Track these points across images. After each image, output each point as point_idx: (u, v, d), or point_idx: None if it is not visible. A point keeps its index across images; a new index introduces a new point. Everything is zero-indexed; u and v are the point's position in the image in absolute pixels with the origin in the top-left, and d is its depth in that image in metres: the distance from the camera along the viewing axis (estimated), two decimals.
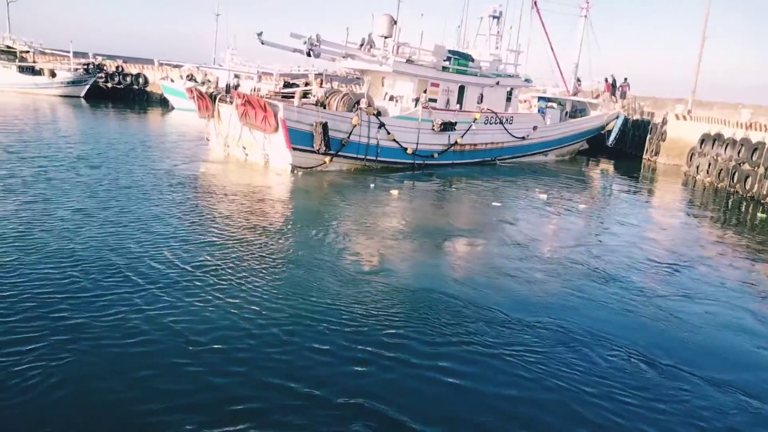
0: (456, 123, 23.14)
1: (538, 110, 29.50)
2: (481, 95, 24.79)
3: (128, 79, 48.17)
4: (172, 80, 44.80)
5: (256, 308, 8.05)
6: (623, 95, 33.05)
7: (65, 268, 8.83)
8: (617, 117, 31.81)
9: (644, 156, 32.43)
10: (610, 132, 31.68)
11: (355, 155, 20.60)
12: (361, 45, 22.33)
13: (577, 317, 8.94)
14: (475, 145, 24.47)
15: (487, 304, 9.05)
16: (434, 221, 15.12)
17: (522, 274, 10.84)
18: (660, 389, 7.06)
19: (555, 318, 8.81)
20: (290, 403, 5.99)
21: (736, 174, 23.16)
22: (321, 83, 22.79)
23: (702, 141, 26.70)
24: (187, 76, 45.76)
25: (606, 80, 32.21)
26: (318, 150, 19.05)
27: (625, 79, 32.85)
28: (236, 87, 22.88)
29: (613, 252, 13.09)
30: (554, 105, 29.88)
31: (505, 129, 25.40)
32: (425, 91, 22.65)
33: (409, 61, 22.51)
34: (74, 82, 44.00)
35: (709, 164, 25.61)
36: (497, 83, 25.27)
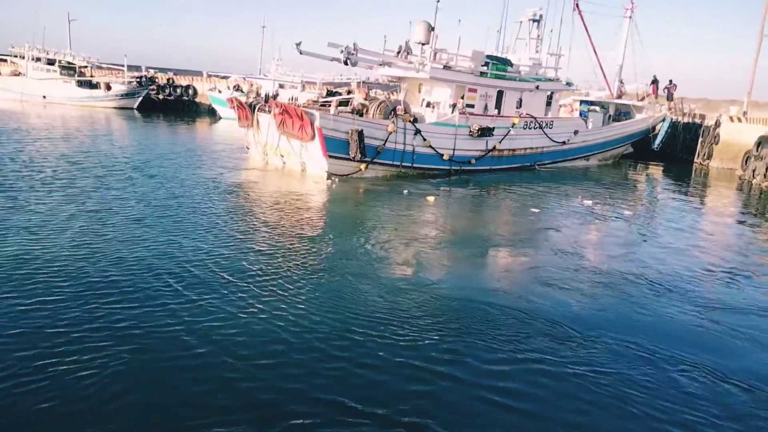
0: (494, 128, 22.73)
1: (580, 114, 28.67)
2: (520, 100, 24.28)
3: (178, 90, 49.59)
4: (219, 91, 45.87)
5: (303, 321, 7.91)
6: (670, 97, 31.76)
7: (123, 278, 9.01)
8: (663, 120, 30.58)
9: (696, 160, 31.15)
10: (656, 135, 30.43)
11: (390, 162, 20.47)
12: (398, 52, 22.26)
13: (642, 333, 8.43)
14: (514, 150, 23.96)
15: (544, 318, 8.67)
16: (473, 228, 14.82)
17: (575, 285, 10.40)
18: (757, 419, 6.41)
19: (619, 333, 8.30)
20: (342, 419, 5.83)
21: None
22: (367, 93, 22.85)
23: (759, 143, 25.43)
24: (234, 86, 46.76)
25: (653, 82, 31.01)
26: (354, 157, 19.03)
27: (671, 80, 31.63)
28: (275, 96, 23.14)
29: (667, 261, 12.51)
30: (597, 108, 28.99)
31: (545, 133, 24.77)
32: (462, 97, 22.33)
33: (446, 67, 22.27)
34: (128, 95, 45.61)
35: (767, 167, 24.39)
36: (537, 87, 24.71)
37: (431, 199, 17.41)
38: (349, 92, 27.03)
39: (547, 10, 25.94)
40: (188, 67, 61.64)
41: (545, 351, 7.60)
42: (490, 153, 23.08)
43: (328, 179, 19.15)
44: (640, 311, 9.34)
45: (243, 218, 13.48)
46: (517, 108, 24.22)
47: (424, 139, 20.95)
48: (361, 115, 20.01)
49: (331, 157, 19.00)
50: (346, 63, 20.36)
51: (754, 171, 25.37)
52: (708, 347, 8.15)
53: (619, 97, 30.93)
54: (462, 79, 22.47)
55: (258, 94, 24.48)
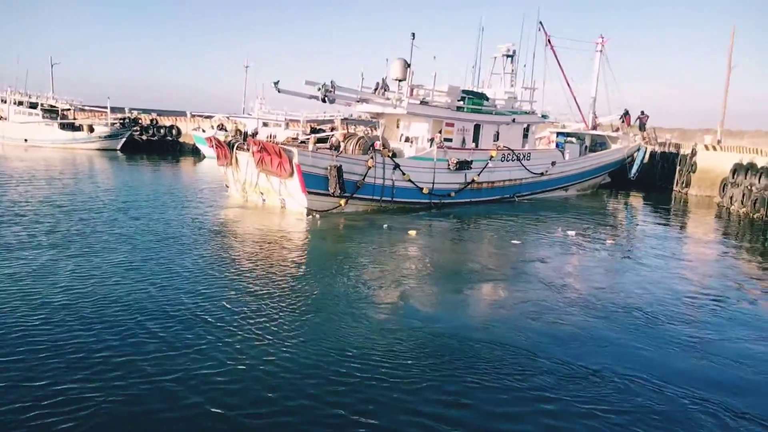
0: (472, 161, 22.85)
1: (557, 145, 28.98)
2: (497, 133, 24.50)
3: (162, 131, 49.47)
4: (203, 130, 45.86)
5: (293, 366, 7.70)
6: (642, 127, 32.26)
7: (105, 326, 8.80)
8: (638, 149, 31.01)
9: (675, 188, 31.64)
10: (632, 164, 30.79)
11: (370, 197, 20.42)
12: (375, 89, 22.43)
13: (644, 367, 8.31)
14: (493, 182, 24.05)
15: (544, 355, 8.51)
16: (458, 263, 14.76)
17: (569, 320, 10.30)
18: None
19: (622, 368, 8.17)
20: None
21: None
22: (346, 129, 22.95)
23: (734, 171, 25.92)
24: (218, 126, 46.83)
25: (624, 114, 31.52)
26: (333, 193, 18.93)
27: (642, 111, 32.20)
28: (254, 135, 23.11)
29: (655, 291, 12.61)
30: (573, 140, 29.33)
31: (523, 165, 24.95)
32: (440, 132, 22.46)
33: (423, 102, 22.48)
34: (111, 136, 45.36)
35: (743, 194, 24.77)
36: (513, 120, 24.96)
37: (413, 233, 17.33)
38: (332, 129, 27.17)
39: (519, 45, 26.45)
40: (172, 107, 61.65)
41: (548, 389, 7.42)
42: (469, 186, 23.14)
43: (308, 215, 19.01)
44: (637, 344, 9.21)
45: (225, 260, 13.28)
46: (494, 141, 24.41)
47: (404, 174, 20.97)
48: (339, 150, 19.99)
49: (310, 193, 18.90)
50: (324, 100, 20.45)
51: (731, 198, 25.70)
52: (713, 380, 8.03)
53: (594, 128, 31.36)
54: (439, 113, 22.66)
55: (238, 132, 24.47)
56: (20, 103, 44.48)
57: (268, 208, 20.18)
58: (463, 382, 7.47)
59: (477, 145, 23.90)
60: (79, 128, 45.33)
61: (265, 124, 44.22)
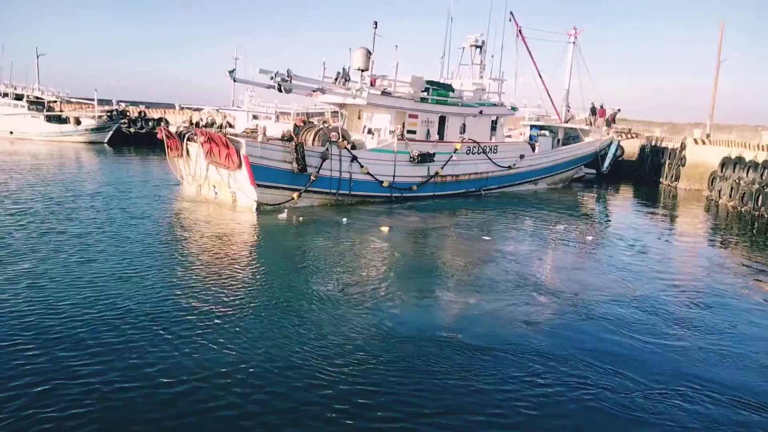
0: (435, 154, 21.28)
1: (530, 138, 27.31)
2: (464, 125, 22.89)
3: (150, 123, 47.76)
4: (166, 122, 44.05)
5: (252, 380, 6.75)
6: (608, 123, 30.37)
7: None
8: (611, 143, 29.29)
9: (664, 181, 30.97)
10: (605, 158, 29.10)
11: (326, 190, 18.83)
12: (336, 79, 20.77)
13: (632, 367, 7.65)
14: (458, 176, 22.47)
15: (531, 360, 7.65)
16: (424, 260, 13.37)
17: (552, 320, 9.35)
18: None
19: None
20: None
21: (761, 197, 21.70)
22: (304, 120, 21.36)
23: (723, 164, 25.26)
24: (208, 118, 45.04)
25: (601, 107, 29.77)
26: (294, 170, 17.29)
27: (617, 108, 30.44)
28: (211, 125, 21.49)
29: (641, 287, 11.63)
30: (546, 133, 27.65)
31: (489, 158, 23.37)
32: (403, 123, 20.83)
33: (384, 93, 20.87)
34: (98, 129, 43.78)
35: (732, 188, 24.15)
36: (480, 112, 23.29)
37: (385, 229, 15.97)
38: (324, 122, 25.64)
39: (487, 35, 24.70)
40: (161, 99, 59.78)
41: (520, 390, 6.80)
42: (433, 179, 21.57)
43: (258, 209, 17.46)
44: (639, 346, 8.41)
45: (169, 259, 11.83)
46: (461, 133, 22.83)
47: (362, 166, 19.39)
48: (291, 142, 18.36)
49: (260, 185, 17.32)
50: (280, 90, 18.78)
51: (720, 191, 25.13)
52: (720, 375, 7.52)
53: (567, 121, 29.63)
54: (401, 105, 21.06)
55: (191, 123, 22.80)
56: (5, 95, 42.90)
57: (219, 203, 18.65)
58: (420, 382, 6.78)
59: (442, 138, 22.33)
60: (65, 121, 43.76)
61: (255, 117, 42.46)
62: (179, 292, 9.58)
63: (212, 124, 44.23)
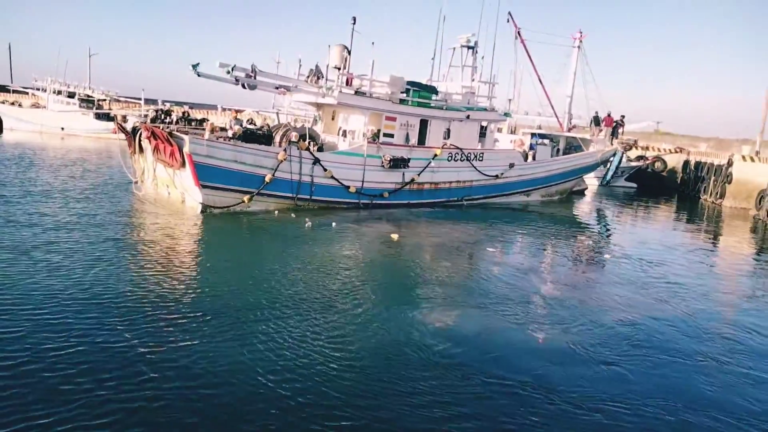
0: (410, 159, 18.20)
1: (530, 147, 23.57)
2: (448, 130, 19.61)
3: (193, 123, 46.34)
4: (145, 114, 42.57)
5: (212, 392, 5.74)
6: (614, 133, 26.16)
7: None
8: (614, 154, 25.05)
9: (707, 198, 27.61)
10: (608, 169, 24.93)
11: (283, 194, 16.04)
12: (308, 76, 17.95)
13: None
14: (437, 183, 19.25)
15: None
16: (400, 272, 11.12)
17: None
18: None
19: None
20: None
21: None
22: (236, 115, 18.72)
23: None
24: (247, 120, 43.38)
25: (608, 115, 25.57)
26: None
27: (623, 116, 26.12)
28: (165, 117, 19.06)
29: (676, 310, 9.79)
30: (546, 142, 23.84)
31: (474, 166, 19.93)
32: (380, 127, 17.77)
33: (358, 92, 17.85)
34: None
35: None
36: (467, 117, 19.88)
37: (395, 237, 13.74)
38: (296, 121, 23.07)
39: (478, 35, 21.17)
40: (204, 101, 58.67)
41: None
42: (408, 186, 18.41)
43: (203, 211, 14.90)
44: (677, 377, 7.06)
45: (105, 264, 9.85)
46: (445, 138, 19.54)
47: (325, 170, 16.48)
48: (245, 140, 15.68)
49: (205, 186, 14.76)
50: (244, 87, 16.16)
51: None
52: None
53: (570, 130, 25.58)
54: (377, 105, 18.09)
55: (166, 116, 20.44)
56: (59, 93, 42.72)
57: (170, 203, 16.16)
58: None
59: (424, 142, 19.25)
60: (113, 119, 43.02)
61: (295, 119, 40.50)
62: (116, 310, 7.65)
63: (186, 116, 42.50)
